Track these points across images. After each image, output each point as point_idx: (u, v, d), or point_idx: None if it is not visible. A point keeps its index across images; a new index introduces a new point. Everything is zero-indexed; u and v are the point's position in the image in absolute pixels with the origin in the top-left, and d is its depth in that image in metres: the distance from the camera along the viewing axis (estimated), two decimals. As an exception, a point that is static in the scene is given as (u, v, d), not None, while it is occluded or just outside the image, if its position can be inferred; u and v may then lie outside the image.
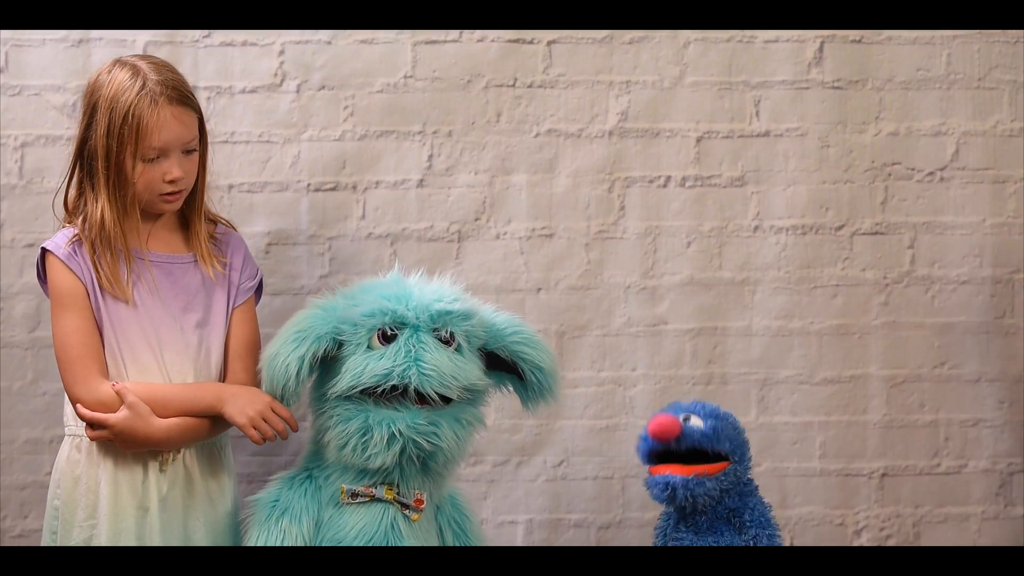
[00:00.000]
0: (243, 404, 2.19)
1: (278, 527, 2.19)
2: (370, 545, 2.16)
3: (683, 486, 2.25)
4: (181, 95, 2.19)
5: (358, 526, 2.19)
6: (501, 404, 2.62)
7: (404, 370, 2.13)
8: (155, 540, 2.18)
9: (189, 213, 2.28)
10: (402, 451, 2.14)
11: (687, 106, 2.69)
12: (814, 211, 2.70)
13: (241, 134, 2.65)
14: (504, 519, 2.69)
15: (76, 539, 2.18)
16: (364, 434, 2.15)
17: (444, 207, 2.68)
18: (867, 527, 2.72)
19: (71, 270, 2.19)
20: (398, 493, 2.20)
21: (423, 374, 2.13)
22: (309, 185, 2.66)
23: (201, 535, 2.22)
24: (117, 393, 2.16)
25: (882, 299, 2.71)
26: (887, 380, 2.71)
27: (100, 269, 2.19)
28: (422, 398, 2.15)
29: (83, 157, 2.20)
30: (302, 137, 2.66)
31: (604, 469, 2.69)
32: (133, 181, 2.16)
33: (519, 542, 2.68)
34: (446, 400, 2.16)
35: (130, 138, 2.14)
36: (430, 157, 2.67)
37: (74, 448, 2.22)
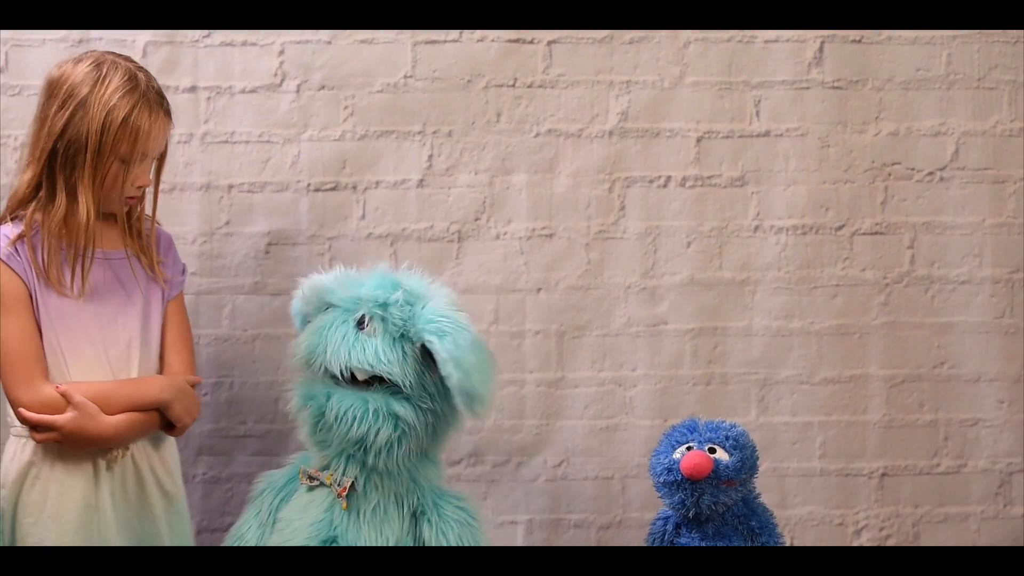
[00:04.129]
0: (188, 406, 2.25)
1: (257, 501, 2.31)
2: (311, 527, 2.20)
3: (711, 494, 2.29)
4: (168, 106, 2.22)
5: (305, 508, 2.23)
6: (501, 404, 2.62)
7: (310, 347, 2.21)
8: (107, 539, 2.17)
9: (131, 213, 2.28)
10: (317, 421, 2.20)
11: (687, 106, 2.69)
12: (814, 211, 2.70)
13: (241, 134, 2.65)
14: (504, 519, 2.69)
15: (21, 541, 2.15)
16: (301, 407, 2.24)
17: (444, 207, 2.68)
18: (867, 527, 2.72)
19: (12, 270, 2.17)
20: (335, 480, 2.23)
21: (326, 352, 2.18)
22: (309, 185, 2.66)
23: (155, 530, 2.23)
24: (62, 395, 2.14)
25: (882, 299, 2.71)
26: (887, 380, 2.71)
27: (50, 265, 2.18)
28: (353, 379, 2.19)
29: (57, 148, 2.16)
30: (302, 137, 2.66)
31: (604, 469, 2.69)
32: (118, 183, 2.18)
33: (519, 542, 2.69)
34: (367, 383, 2.18)
35: (124, 140, 2.15)
36: (430, 157, 2.67)
37: (19, 449, 2.20)
